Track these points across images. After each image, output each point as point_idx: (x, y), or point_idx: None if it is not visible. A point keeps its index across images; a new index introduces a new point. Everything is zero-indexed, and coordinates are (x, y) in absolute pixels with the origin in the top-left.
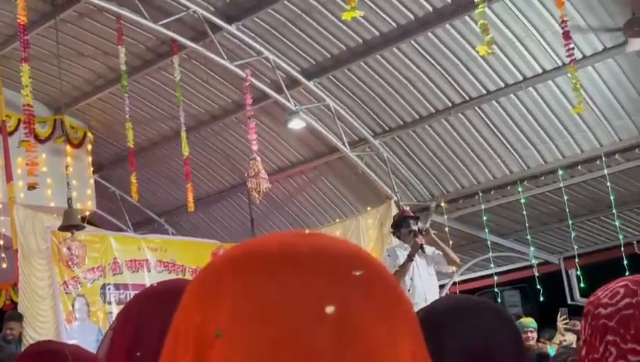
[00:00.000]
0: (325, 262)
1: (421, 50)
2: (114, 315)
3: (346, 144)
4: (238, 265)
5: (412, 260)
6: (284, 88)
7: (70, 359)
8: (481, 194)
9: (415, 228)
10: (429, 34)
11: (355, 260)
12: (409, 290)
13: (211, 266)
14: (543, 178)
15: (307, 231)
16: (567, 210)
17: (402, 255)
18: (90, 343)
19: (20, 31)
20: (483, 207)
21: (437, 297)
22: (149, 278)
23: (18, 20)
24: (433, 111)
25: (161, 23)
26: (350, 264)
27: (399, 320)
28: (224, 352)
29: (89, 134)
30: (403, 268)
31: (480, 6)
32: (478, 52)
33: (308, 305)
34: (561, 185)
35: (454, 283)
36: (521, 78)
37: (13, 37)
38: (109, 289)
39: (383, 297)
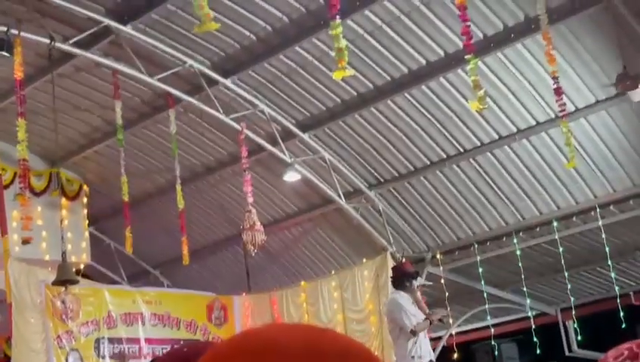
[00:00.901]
0: None
1: (415, 103)
2: None
3: (342, 195)
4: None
5: (431, 323)
6: (280, 140)
7: None
8: (476, 246)
9: (417, 284)
10: (423, 87)
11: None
12: (415, 342)
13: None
14: (538, 229)
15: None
16: (562, 261)
17: (406, 303)
18: None
19: (16, 86)
20: (479, 258)
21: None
22: (144, 332)
23: (15, 76)
24: (428, 163)
25: (157, 77)
26: None
27: None
28: None
29: (85, 187)
30: (421, 326)
31: (472, 62)
32: (471, 107)
33: None
34: (557, 236)
35: (450, 335)
36: (514, 130)
37: (10, 91)
38: (103, 343)
39: None
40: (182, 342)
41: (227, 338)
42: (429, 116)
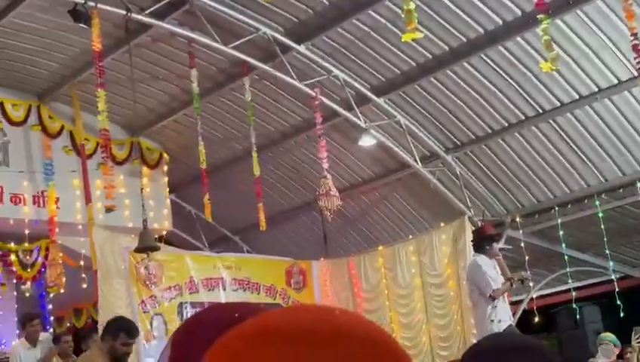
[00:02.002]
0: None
1: (492, 64)
2: None
3: (418, 160)
4: (250, 342)
5: (513, 286)
6: (354, 106)
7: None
8: (557, 208)
9: (497, 246)
10: (500, 47)
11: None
12: (495, 306)
13: (227, 337)
14: (621, 190)
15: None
16: None
17: (487, 268)
18: None
19: (95, 58)
20: (559, 221)
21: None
22: (225, 296)
23: (93, 47)
24: (506, 124)
25: (231, 45)
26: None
27: None
28: None
29: (164, 155)
30: (503, 288)
31: (544, 22)
32: (541, 68)
33: None
34: None
35: (531, 299)
36: (596, 90)
37: (90, 63)
38: (186, 307)
39: None
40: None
41: (255, 318)
42: (506, 77)
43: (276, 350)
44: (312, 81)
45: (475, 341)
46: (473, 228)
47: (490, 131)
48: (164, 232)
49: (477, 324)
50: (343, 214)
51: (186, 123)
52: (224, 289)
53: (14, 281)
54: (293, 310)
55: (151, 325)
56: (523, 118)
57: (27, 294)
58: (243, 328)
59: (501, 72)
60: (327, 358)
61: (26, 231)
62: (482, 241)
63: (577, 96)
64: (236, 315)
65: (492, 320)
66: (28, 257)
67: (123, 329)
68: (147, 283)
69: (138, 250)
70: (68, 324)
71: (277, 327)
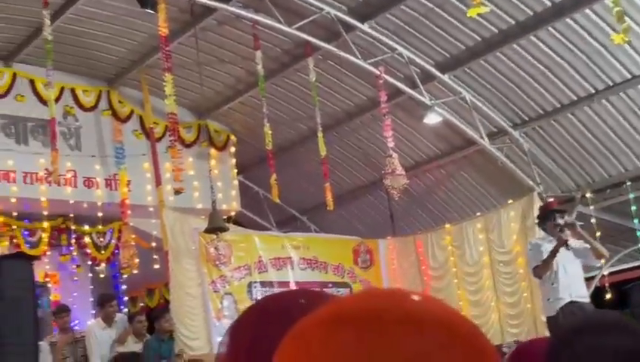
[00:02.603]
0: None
1: (560, 37)
2: None
3: (484, 136)
4: (324, 327)
5: (555, 256)
6: (419, 83)
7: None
8: (629, 183)
9: (561, 221)
10: (568, 20)
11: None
12: (553, 284)
13: (302, 324)
14: None
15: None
16: None
17: (546, 249)
18: None
19: (162, 42)
20: (632, 195)
21: (585, 291)
22: (293, 275)
23: (160, 32)
24: (575, 98)
25: (295, 26)
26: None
27: None
28: None
29: (232, 137)
30: (545, 264)
31: None
32: (613, 40)
33: None
34: None
35: (603, 276)
36: None
37: (157, 48)
38: (256, 287)
39: None
40: (330, 285)
41: (329, 304)
42: (575, 50)
43: (351, 336)
44: (376, 59)
45: (544, 319)
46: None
47: (558, 106)
48: (233, 213)
49: (542, 302)
50: (410, 192)
51: (252, 104)
52: (292, 269)
53: (89, 263)
54: (366, 295)
55: (221, 304)
56: (593, 91)
57: (101, 275)
58: (317, 315)
59: (569, 45)
60: (403, 343)
61: (99, 214)
62: (544, 216)
63: None
64: (302, 301)
65: (548, 299)
66: (101, 239)
67: None
68: (217, 263)
69: (207, 231)
70: (141, 304)
71: (352, 313)
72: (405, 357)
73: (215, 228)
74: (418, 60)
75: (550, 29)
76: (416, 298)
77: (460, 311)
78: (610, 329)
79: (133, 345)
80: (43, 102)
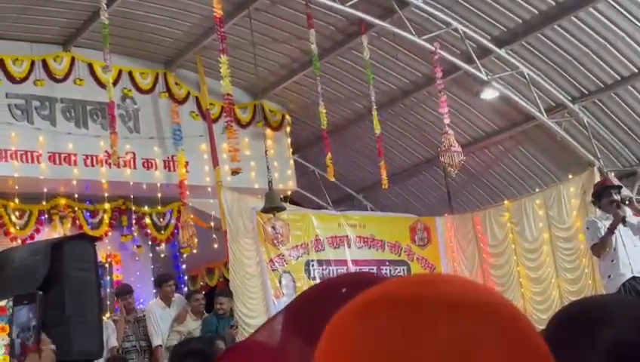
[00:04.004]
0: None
1: (619, 8)
2: None
3: (543, 111)
4: (364, 312)
5: (613, 233)
6: (475, 58)
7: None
8: None
9: (617, 198)
10: None
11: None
12: (613, 261)
13: (344, 310)
14: None
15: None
16: None
17: (603, 226)
18: None
19: (216, 23)
20: None
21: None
22: (350, 254)
23: (214, 13)
24: (636, 71)
25: (349, 3)
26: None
27: None
28: None
29: (287, 117)
30: (603, 241)
31: None
32: None
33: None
34: None
35: None
36: None
37: (211, 29)
38: (313, 265)
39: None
40: (387, 263)
41: (377, 286)
42: (635, 21)
43: (384, 324)
44: (431, 35)
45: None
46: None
47: (618, 78)
48: (289, 192)
49: (602, 279)
50: (466, 169)
51: (306, 84)
52: (349, 247)
53: (149, 243)
54: (402, 281)
55: (280, 283)
56: None
57: (162, 255)
58: (351, 305)
59: (629, 16)
60: (439, 330)
61: (159, 195)
62: (597, 195)
63: None
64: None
65: (609, 276)
66: (161, 220)
67: None
68: (275, 242)
69: (265, 210)
70: (201, 283)
71: (385, 300)
72: (443, 343)
73: (272, 207)
74: (474, 35)
75: (609, 0)
76: (455, 283)
77: (505, 298)
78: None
79: (192, 323)
80: (101, 85)
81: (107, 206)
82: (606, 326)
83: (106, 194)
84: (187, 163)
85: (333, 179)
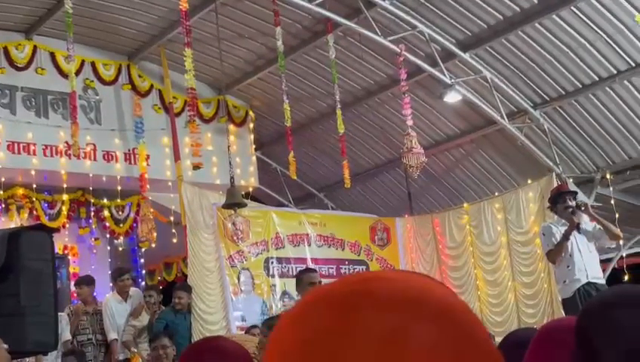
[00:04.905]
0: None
1: (582, 16)
2: (277, 287)
3: (504, 116)
4: (298, 315)
5: (567, 239)
6: (439, 61)
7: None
8: None
9: (572, 203)
10: None
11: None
12: (568, 267)
13: (283, 315)
14: None
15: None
16: None
17: (559, 232)
18: (255, 314)
19: (182, 17)
20: None
21: (600, 273)
22: (310, 252)
23: (180, 7)
24: (597, 79)
25: (315, 2)
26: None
27: None
28: None
29: (250, 113)
30: (558, 247)
31: None
32: (637, 21)
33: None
34: None
35: (621, 258)
36: None
37: (177, 22)
38: (272, 262)
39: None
40: (346, 263)
41: (322, 286)
42: (597, 30)
43: (326, 318)
44: (396, 37)
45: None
46: None
47: (580, 86)
48: (251, 189)
49: (557, 283)
50: (428, 171)
51: (271, 81)
52: (309, 246)
53: (107, 236)
54: (347, 278)
55: (238, 279)
56: (615, 72)
57: (120, 248)
58: (305, 296)
59: (592, 25)
60: (379, 325)
61: (118, 188)
62: (553, 200)
63: None
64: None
65: (564, 281)
66: (120, 213)
67: None
68: (234, 238)
69: (226, 206)
70: (159, 278)
71: (327, 296)
72: (377, 340)
73: (233, 203)
74: (439, 38)
75: (573, 8)
76: (394, 279)
77: (473, 287)
78: None
79: (148, 318)
80: (63, 75)
81: (65, 197)
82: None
83: (65, 186)
84: (148, 156)
85: (295, 177)
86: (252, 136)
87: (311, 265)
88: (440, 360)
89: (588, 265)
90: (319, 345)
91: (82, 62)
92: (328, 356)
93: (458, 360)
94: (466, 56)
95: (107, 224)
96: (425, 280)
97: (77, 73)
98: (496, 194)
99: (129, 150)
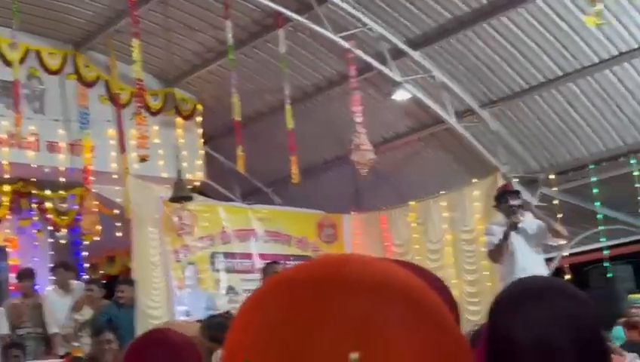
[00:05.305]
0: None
1: (530, 19)
2: (223, 282)
3: (452, 115)
4: (266, 294)
5: (506, 239)
6: (389, 59)
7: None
8: (592, 166)
9: (515, 203)
10: (539, 1)
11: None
12: (510, 266)
13: (251, 294)
14: None
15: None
16: None
17: (501, 232)
18: (199, 309)
19: (130, 6)
20: (594, 179)
21: (542, 272)
22: (257, 247)
23: None
24: (543, 80)
25: None
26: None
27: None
28: None
29: (199, 106)
30: (498, 247)
31: None
32: (586, 22)
33: (331, 341)
34: None
35: (563, 257)
36: (636, 46)
37: (125, 12)
38: (218, 257)
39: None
40: (292, 259)
41: (283, 270)
42: (544, 32)
43: (294, 300)
44: (347, 33)
45: None
46: None
47: (526, 87)
48: (198, 183)
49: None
50: (376, 168)
51: (220, 74)
52: (256, 241)
53: (49, 228)
54: (314, 262)
55: (183, 274)
56: (561, 74)
57: (62, 241)
58: (267, 281)
59: (539, 27)
60: (345, 308)
61: (62, 179)
62: (498, 200)
63: (616, 52)
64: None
65: (506, 280)
66: (63, 205)
67: None
68: (180, 232)
69: (172, 200)
70: (101, 272)
71: (295, 279)
72: (343, 322)
73: (180, 197)
74: (389, 36)
75: (521, 10)
76: (357, 263)
77: (415, 279)
78: (549, 294)
79: (90, 312)
80: (7, 63)
81: (7, 188)
82: None
83: (7, 176)
84: (93, 148)
85: (243, 171)
86: (200, 130)
87: (257, 261)
88: (408, 338)
89: (530, 263)
90: (283, 329)
91: (27, 51)
92: (304, 334)
93: (425, 338)
94: (416, 54)
95: (49, 216)
96: (389, 263)
97: (21, 61)
98: (443, 192)
99: (73, 141)
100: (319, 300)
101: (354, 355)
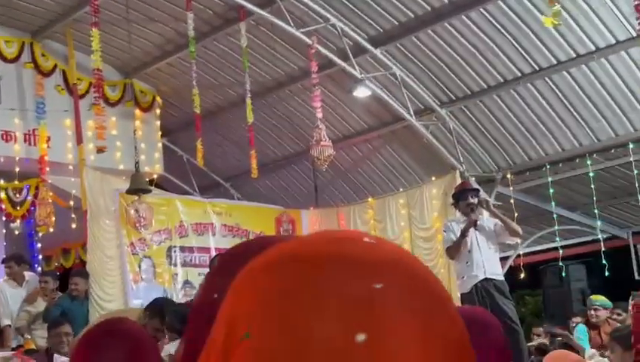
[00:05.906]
0: (361, 271)
1: (491, 19)
2: (179, 277)
3: (412, 113)
4: (272, 266)
5: (464, 237)
6: (350, 56)
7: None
8: (548, 167)
9: (474, 200)
10: (499, 2)
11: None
12: (467, 263)
13: (252, 263)
14: (613, 151)
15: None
16: (637, 184)
17: (458, 229)
18: None
19: None
20: (550, 179)
21: (498, 269)
22: (214, 242)
23: None
24: (502, 81)
25: None
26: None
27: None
28: (247, 358)
29: (158, 99)
30: (456, 244)
31: None
32: (544, 23)
33: (338, 321)
34: (632, 158)
35: (518, 256)
36: (593, 49)
37: (85, 1)
38: (175, 251)
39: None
40: None
41: (272, 248)
42: (504, 32)
43: (291, 277)
44: (309, 29)
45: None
46: None
47: (485, 87)
48: (155, 176)
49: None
50: (335, 165)
51: (181, 67)
52: (214, 235)
53: (3, 219)
54: (311, 237)
55: (139, 267)
56: (519, 74)
57: (16, 232)
58: (263, 256)
59: (499, 27)
60: (349, 286)
61: (17, 169)
62: (456, 197)
63: (574, 55)
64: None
65: (462, 277)
66: (17, 195)
67: None
68: (137, 225)
69: (129, 192)
70: (56, 264)
71: (294, 255)
72: (347, 300)
73: (137, 189)
74: (351, 33)
75: (482, 10)
76: (362, 241)
77: (415, 258)
78: None
79: (44, 304)
80: None
81: None
82: None
83: None
84: (49, 138)
85: (202, 165)
86: (158, 123)
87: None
88: (413, 323)
89: (486, 261)
90: (285, 306)
91: None
92: (309, 312)
93: (431, 323)
94: (377, 52)
95: (3, 206)
96: (393, 245)
97: None
98: (401, 189)
99: (29, 131)
100: (327, 279)
101: (360, 336)
